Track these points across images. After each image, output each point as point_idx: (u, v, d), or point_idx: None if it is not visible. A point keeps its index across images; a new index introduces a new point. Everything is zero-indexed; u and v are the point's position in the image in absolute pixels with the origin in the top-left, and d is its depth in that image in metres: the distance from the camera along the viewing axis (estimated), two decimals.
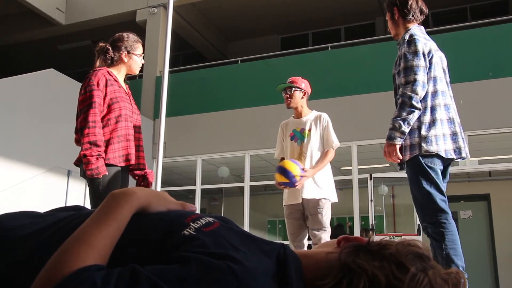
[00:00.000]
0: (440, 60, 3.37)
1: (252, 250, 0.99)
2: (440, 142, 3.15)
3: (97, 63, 3.70)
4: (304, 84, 4.80)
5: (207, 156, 12.01)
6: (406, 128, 3.15)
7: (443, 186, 3.21)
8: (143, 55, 3.85)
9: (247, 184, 11.59)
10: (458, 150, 3.23)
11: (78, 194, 10.04)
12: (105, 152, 3.46)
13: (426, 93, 3.21)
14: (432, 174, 3.14)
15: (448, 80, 3.43)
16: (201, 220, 1.04)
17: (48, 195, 9.30)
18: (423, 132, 3.16)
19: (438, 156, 3.17)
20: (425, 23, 3.54)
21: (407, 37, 3.32)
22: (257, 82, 12.23)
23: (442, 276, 0.97)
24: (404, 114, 3.15)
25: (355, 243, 1.06)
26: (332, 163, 4.72)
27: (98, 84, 3.46)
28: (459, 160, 3.34)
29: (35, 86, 9.47)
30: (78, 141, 3.62)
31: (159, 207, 1.10)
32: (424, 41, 3.30)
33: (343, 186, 11.39)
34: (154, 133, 12.41)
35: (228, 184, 12.48)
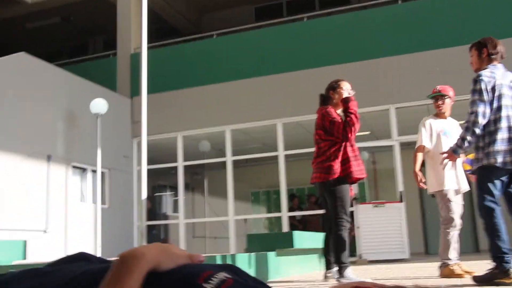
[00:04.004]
0: (509, 89, 4.10)
1: None
2: (499, 156, 3.95)
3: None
4: (451, 92, 5.54)
5: (188, 132, 11.94)
6: (466, 147, 4.14)
7: (498, 191, 3.99)
8: None
9: (229, 158, 11.58)
10: None
11: (59, 179, 9.94)
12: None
13: (489, 119, 4.02)
14: (488, 182, 3.97)
15: None
16: (213, 279, 1.03)
17: (29, 181, 9.17)
18: (486, 149, 4.01)
19: (496, 167, 3.96)
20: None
21: (476, 76, 4.12)
22: (233, 55, 12.11)
23: None
24: (467, 136, 4.04)
25: None
26: None
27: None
28: None
29: (6, 70, 9.22)
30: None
31: (168, 265, 1.08)
32: (488, 80, 4.05)
33: None
34: (132, 112, 12.28)
35: (211, 159, 12.44)
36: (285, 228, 11.34)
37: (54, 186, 9.73)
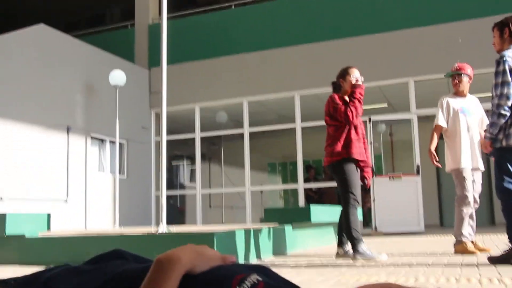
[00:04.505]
0: None
1: None
2: None
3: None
4: (470, 70, 5.41)
5: (205, 103, 11.98)
6: (495, 131, 4.04)
7: None
8: None
9: (246, 130, 11.63)
10: None
11: (79, 150, 10.09)
12: None
13: None
14: (507, 163, 3.97)
15: None
16: (246, 282, 1.08)
17: (49, 153, 9.33)
18: (507, 130, 3.99)
19: None
20: None
21: (498, 57, 4.05)
22: (251, 27, 12.02)
23: None
24: (495, 120, 3.99)
25: None
26: None
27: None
28: None
29: (25, 42, 9.28)
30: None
31: (203, 268, 1.14)
32: (511, 60, 3.97)
33: None
34: (150, 83, 12.33)
35: (228, 131, 12.49)
36: (301, 199, 11.43)
37: (74, 157, 9.89)
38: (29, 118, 9.00)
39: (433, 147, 5.23)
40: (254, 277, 1.13)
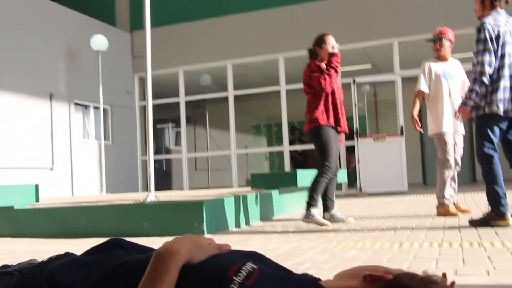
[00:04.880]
0: (511, 35, 4.08)
1: None
2: (501, 104, 3.99)
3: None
4: (451, 34, 5.44)
5: (189, 67, 11.87)
6: (476, 98, 4.06)
7: (497, 139, 4.08)
8: None
9: (231, 93, 11.60)
10: None
11: (63, 117, 10.02)
12: None
13: (494, 68, 4.00)
14: (488, 129, 4.03)
15: None
16: (242, 271, 1.14)
17: (33, 121, 9.26)
18: (488, 97, 4.03)
19: (497, 115, 4.01)
20: None
21: (479, 24, 4.07)
22: None
23: None
24: (476, 87, 4.01)
25: (381, 282, 1.15)
26: None
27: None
28: None
29: (4, 8, 9.04)
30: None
31: (200, 258, 1.20)
32: (492, 28, 4.01)
33: None
34: (133, 47, 12.16)
35: (212, 94, 12.43)
36: (287, 161, 11.53)
37: (58, 124, 9.82)
38: (10, 86, 8.87)
39: (415, 112, 5.30)
40: (250, 266, 1.19)
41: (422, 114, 5.63)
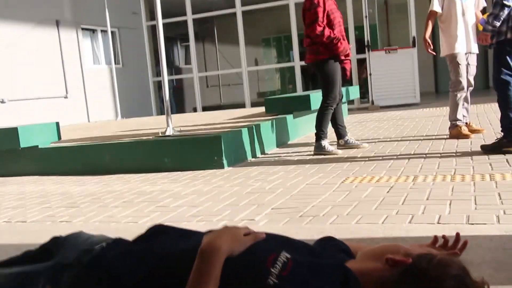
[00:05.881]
0: None
1: (322, 277, 1.26)
2: None
3: None
4: None
5: None
6: (497, 23, 4.00)
7: None
8: None
9: (238, 9, 11.36)
10: None
11: (72, 44, 9.97)
12: None
13: None
14: (507, 56, 4.03)
15: None
16: (278, 262, 1.27)
17: (42, 49, 9.24)
18: (510, 22, 3.97)
19: None
20: None
21: None
22: None
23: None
24: (497, 11, 3.96)
25: (402, 265, 1.26)
26: None
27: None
28: None
29: None
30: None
31: (239, 250, 1.32)
32: None
33: None
34: None
35: (221, 11, 12.16)
36: (298, 74, 11.49)
37: (67, 51, 9.81)
38: (17, 16, 8.78)
39: (427, 34, 5.23)
40: (284, 256, 1.32)
41: (434, 35, 5.55)
